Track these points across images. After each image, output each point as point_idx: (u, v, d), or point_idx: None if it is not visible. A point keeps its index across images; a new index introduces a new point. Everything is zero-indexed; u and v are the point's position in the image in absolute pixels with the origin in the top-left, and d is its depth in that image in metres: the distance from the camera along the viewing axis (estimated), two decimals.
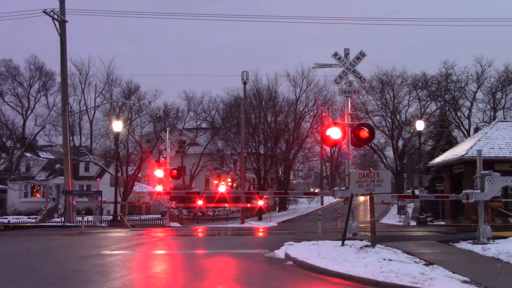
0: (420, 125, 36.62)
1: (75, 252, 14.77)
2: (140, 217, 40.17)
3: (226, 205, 40.94)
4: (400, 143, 56.31)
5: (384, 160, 58.85)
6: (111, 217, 36.23)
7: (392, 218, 41.48)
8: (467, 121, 49.77)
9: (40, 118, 56.58)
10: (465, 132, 48.87)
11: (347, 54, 15.83)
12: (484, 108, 50.19)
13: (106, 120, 52.09)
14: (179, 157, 52.46)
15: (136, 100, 53.37)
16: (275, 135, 53.47)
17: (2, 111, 54.96)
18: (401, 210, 39.48)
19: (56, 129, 52.94)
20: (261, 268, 11.78)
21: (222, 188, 37.14)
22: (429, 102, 53.95)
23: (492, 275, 10.13)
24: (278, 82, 57.86)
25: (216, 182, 54.83)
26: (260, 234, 24.20)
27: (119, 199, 38.76)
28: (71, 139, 41.29)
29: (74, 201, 33.46)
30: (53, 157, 59.85)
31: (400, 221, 35.02)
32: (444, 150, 37.22)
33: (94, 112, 54.28)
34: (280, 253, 13.67)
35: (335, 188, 16.28)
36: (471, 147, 28.47)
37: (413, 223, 33.01)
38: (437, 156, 36.89)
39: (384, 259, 11.28)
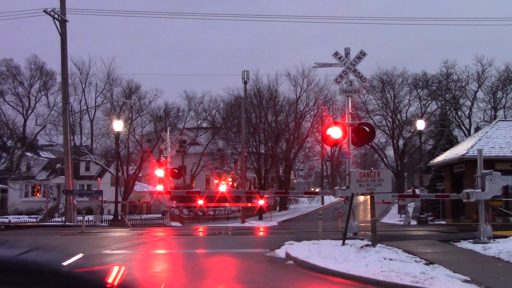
0: (420, 124, 36.61)
1: (76, 251, 14.73)
2: (141, 217, 40.25)
3: (227, 204, 41.03)
4: (401, 142, 56.25)
5: (384, 159, 58.76)
6: (111, 217, 36.30)
7: (392, 217, 41.50)
8: (467, 120, 49.81)
9: (40, 117, 56.74)
10: (466, 132, 48.88)
11: (347, 53, 15.84)
12: (484, 108, 50.31)
13: (106, 119, 52.09)
14: (179, 156, 52.47)
15: (136, 99, 53.44)
16: (275, 135, 53.42)
17: (2, 111, 55.06)
18: (402, 210, 39.45)
19: (56, 129, 53.04)
20: (261, 268, 11.78)
21: (223, 188, 37.16)
22: (430, 102, 53.96)
23: (493, 275, 10.12)
24: (278, 82, 57.82)
25: (216, 181, 54.75)
26: (261, 233, 24.22)
27: (119, 199, 38.82)
28: (71, 138, 41.31)
29: (74, 201, 33.51)
30: (54, 157, 59.82)
31: (400, 221, 35.02)
32: (445, 150, 37.18)
33: (95, 112, 54.47)
34: (280, 252, 13.68)
35: (335, 188, 16.32)
36: (472, 147, 28.43)
37: (413, 222, 32.99)
38: (437, 155, 36.84)
39: (384, 259, 11.28)
